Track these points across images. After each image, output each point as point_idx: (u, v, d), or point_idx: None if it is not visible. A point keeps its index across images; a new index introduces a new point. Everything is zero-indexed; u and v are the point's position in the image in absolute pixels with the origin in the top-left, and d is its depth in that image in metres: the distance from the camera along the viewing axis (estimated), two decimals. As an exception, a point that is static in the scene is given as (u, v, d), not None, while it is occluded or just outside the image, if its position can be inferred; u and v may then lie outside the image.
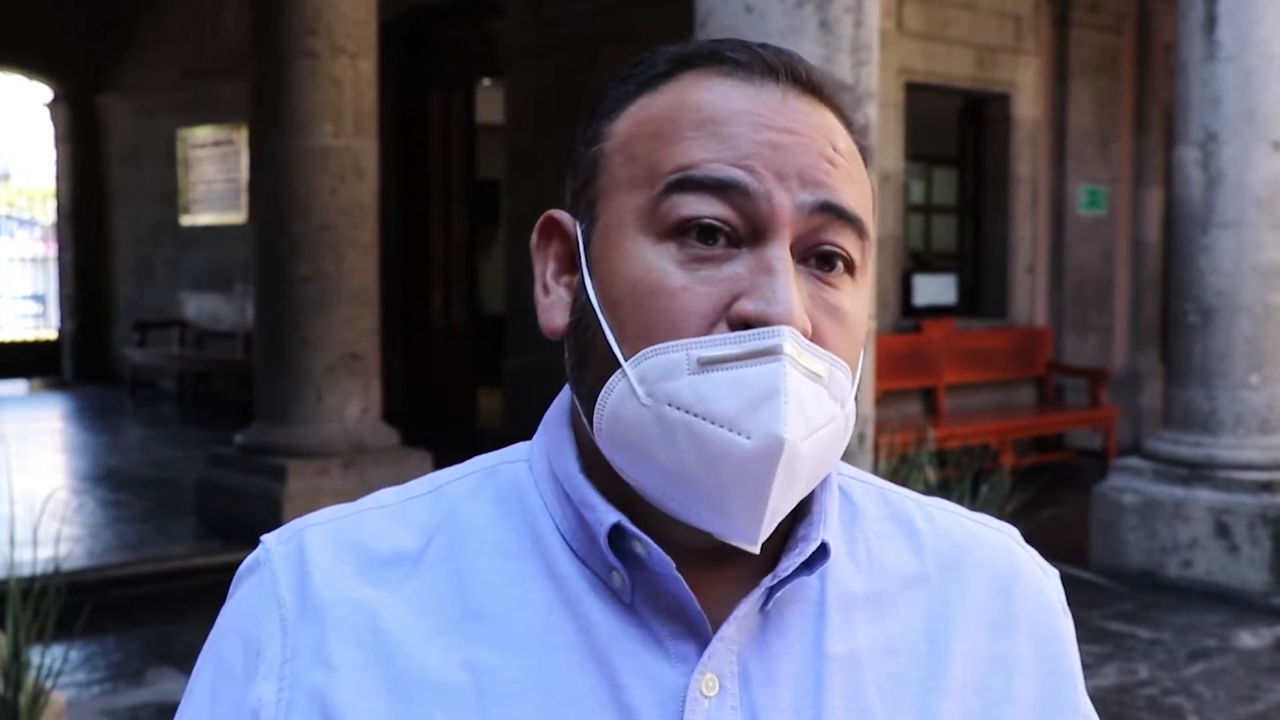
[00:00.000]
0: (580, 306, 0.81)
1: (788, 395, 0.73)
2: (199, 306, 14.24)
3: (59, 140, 16.19)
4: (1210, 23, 6.43)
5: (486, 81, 12.26)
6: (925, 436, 6.34)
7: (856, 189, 0.80)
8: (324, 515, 0.86)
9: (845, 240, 0.78)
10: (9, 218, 23.17)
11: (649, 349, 0.75)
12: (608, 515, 0.79)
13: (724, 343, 0.74)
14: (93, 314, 15.89)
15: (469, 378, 12.28)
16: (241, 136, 12.88)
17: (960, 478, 5.55)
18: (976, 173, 10.30)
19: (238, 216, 13.29)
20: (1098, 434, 9.90)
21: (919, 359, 9.14)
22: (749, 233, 0.76)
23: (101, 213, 15.75)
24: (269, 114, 6.98)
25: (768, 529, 0.76)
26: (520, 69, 10.73)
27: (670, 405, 0.74)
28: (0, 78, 16.69)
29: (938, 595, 0.86)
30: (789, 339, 0.73)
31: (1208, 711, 4.77)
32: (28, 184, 25.42)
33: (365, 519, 0.85)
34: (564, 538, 0.82)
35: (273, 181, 6.98)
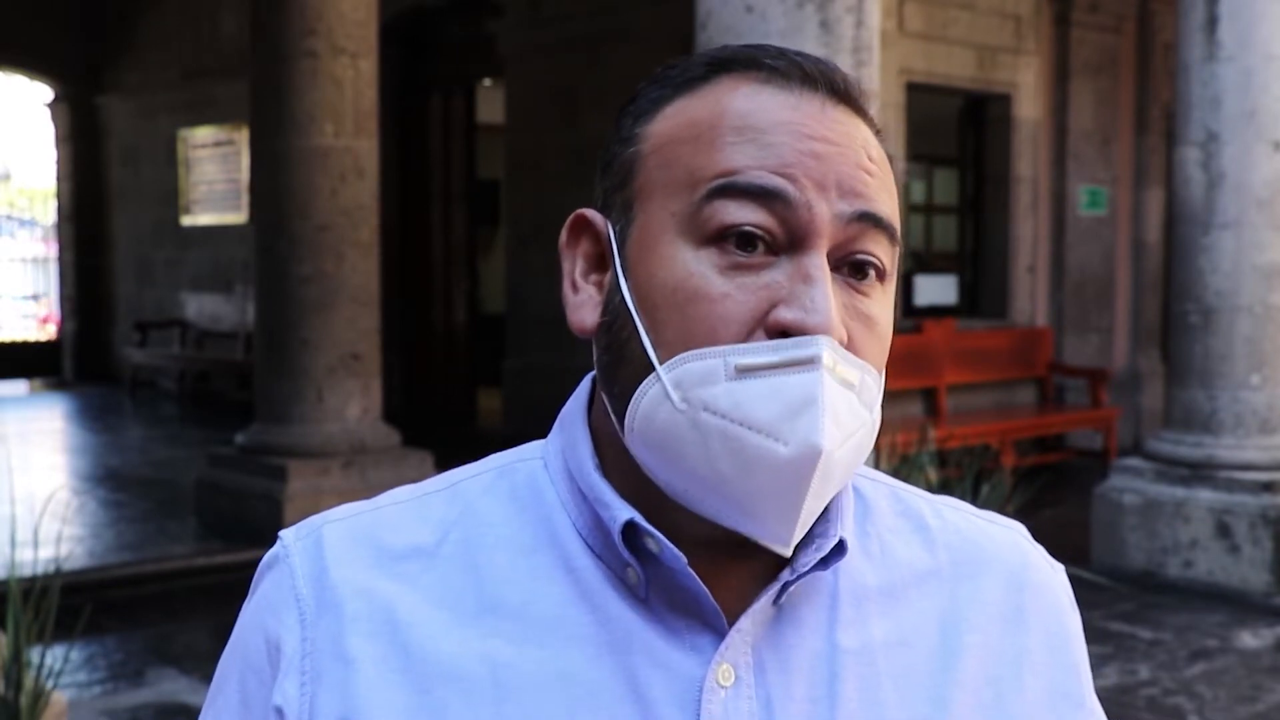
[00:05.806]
0: (614, 307, 0.82)
1: (824, 405, 0.74)
2: (199, 306, 14.23)
3: (59, 140, 16.19)
4: (1211, 23, 6.42)
5: (487, 81, 12.26)
6: (926, 436, 6.33)
7: (889, 197, 0.81)
8: (342, 511, 0.88)
9: (878, 248, 0.80)
10: (9, 218, 23.18)
11: (686, 354, 0.76)
12: (621, 512, 0.80)
13: (763, 351, 0.75)
14: (93, 314, 15.89)
15: (469, 378, 12.29)
16: (241, 136, 12.87)
17: (961, 478, 5.54)
18: (977, 173, 10.30)
19: (238, 217, 13.28)
20: (1098, 434, 9.89)
21: (920, 359, 9.12)
22: (788, 241, 0.77)
23: (102, 213, 15.75)
24: (269, 114, 6.98)
25: (800, 532, 0.77)
26: (520, 69, 10.72)
27: (706, 410, 0.75)
28: (0, 78, 16.69)
29: (950, 589, 0.88)
30: (827, 348, 0.75)
31: (1208, 712, 4.76)
32: (28, 184, 25.43)
33: (382, 515, 0.87)
34: (580, 534, 0.83)
35: (273, 181, 6.98)
